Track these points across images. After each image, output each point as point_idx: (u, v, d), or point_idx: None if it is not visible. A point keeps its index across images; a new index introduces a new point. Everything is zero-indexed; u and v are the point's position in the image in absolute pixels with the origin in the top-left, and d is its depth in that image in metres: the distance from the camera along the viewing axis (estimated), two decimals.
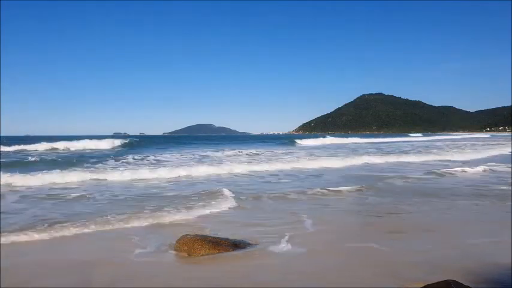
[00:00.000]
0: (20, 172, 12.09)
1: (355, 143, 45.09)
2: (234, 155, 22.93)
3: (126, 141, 34.95)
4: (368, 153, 22.98)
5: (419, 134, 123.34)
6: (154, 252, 4.92)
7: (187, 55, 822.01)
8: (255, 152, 25.60)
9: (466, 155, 21.53)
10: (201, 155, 22.46)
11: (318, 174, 13.57)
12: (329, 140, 52.55)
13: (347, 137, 65.44)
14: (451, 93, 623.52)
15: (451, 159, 19.31)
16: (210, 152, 24.64)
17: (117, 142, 33.91)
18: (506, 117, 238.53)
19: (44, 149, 29.32)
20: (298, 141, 47.19)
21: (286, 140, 54.15)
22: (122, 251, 4.97)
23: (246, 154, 23.72)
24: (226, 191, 8.98)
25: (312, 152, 26.72)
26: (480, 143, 41.68)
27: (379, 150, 29.38)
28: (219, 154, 23.43)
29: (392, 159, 19.37)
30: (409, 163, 17.77)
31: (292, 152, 25.79)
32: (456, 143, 43.20)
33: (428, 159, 19.55)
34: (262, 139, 66.30)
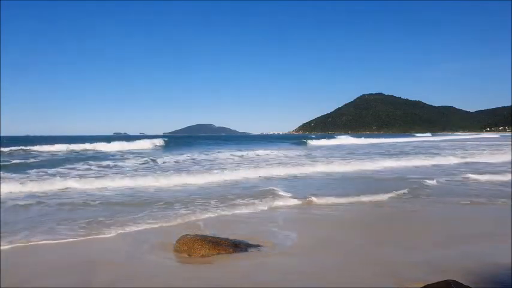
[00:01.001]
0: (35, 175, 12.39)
1: (369, 144, 43.26)
2: (275, 155, 22.35)
3: (161, 143, 34.67)
4: (405, 155, 22.35)
5: (428, 134, 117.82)
6: (154, 252, 4.92)
7: (187, 55, 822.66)
8: (287, 153, 24.74)
9: (495, 156, 20.41)
10: (240, 156, 21.31)
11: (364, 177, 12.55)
12: (339, 140, 50.26)
13: (359, 137, 61.78)
14: (451, 93, 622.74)
15: (481, 160, 18.30)
16: (244, 152, 23.25)
17: (158, 142, 34.10)
18: (506, 117, 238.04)
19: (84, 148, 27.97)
20: (310, 141, 45.33)
21: (295, 140, 52.50)
22: (123, 251, 4.98)
23: (283, 155, 23.08)
24: (281, 192, 9.06)
25: (332, 153, 25.68)
26: (487, 143, 40.48)
27: (403, 150, 27.66)
28: (260, 153, 22.67)
29: (428, 161, 17.52)
30: (445, 165, 16.20)
31: (314, 154, 24.44)
32: (469, 143, 41.38)
33: (469, 161, 18.18)
34: (269, 139, 64.24)
